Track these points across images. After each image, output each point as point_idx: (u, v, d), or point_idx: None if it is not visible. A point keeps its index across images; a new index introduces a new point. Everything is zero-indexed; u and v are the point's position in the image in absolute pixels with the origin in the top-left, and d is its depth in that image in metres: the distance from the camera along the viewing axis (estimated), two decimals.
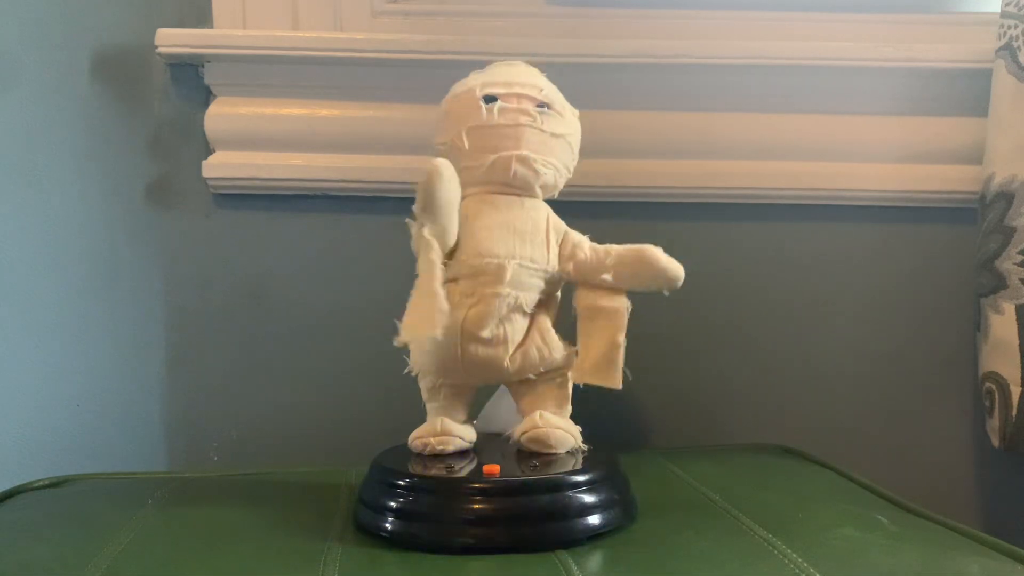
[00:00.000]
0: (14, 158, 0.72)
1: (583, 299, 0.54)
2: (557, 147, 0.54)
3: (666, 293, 0.53)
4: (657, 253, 0.53)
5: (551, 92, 0.55)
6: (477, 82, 0.54)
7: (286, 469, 0.65)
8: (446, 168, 0.50)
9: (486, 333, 0.52)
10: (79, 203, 0.73)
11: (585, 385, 0.54)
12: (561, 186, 0.56)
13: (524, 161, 0.53)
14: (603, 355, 0.53)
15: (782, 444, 0.70)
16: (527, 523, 0.47)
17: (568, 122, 0.55)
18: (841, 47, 0.72)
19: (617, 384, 0.53)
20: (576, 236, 0.55)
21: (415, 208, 0.50)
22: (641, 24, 0.75)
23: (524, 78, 0.55)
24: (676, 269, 0.54)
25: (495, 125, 0.53)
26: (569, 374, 0.54)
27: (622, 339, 0.53)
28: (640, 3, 0.76)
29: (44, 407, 0.73)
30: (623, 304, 0.54)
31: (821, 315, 0.77)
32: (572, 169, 0.57)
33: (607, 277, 0.53)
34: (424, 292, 0.49)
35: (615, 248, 0.54)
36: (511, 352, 0.53)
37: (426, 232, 0.50)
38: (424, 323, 0.49)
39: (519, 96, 0.54)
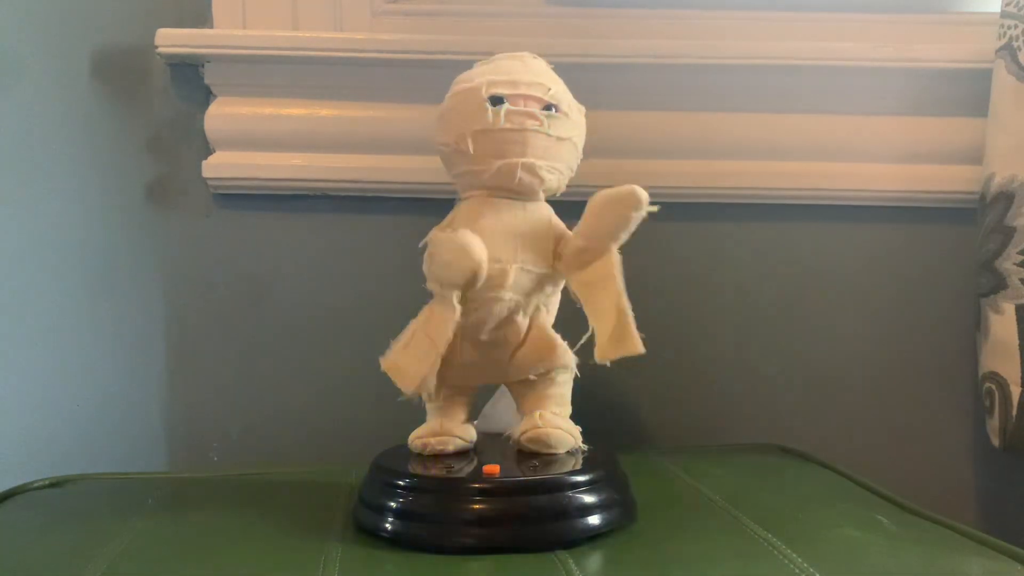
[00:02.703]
0: (14, 158, 0.72)
1: (575, 282, 0.53)
2: (563, 150, 0.53)
3: (643, 214, 0.51)
4: (605, 191, 0.51)
5: (558, 91, 0.53)
6: (482, 79, 0.52)
7: (286, 469, 0.65)
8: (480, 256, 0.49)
9: (485, 336, 0.52)
10: (79, 203, 0.73)
11: (609, 362, 0.52)
12: (564, 187, 0.55)
13: (529, 168, 0.52)
14: (615, 326, 0.51)
15: (782, 444, 0.70)
16: (527, 523, 0.47)
17: (574, 123, 0.54)
18: (841, 47, 0.72)
19: (639, 349, 0.51)
20: (569, 236, 0.54)
21: (441, 279, 0.50)
22: (641, 24, 0.75)
23: (531, 76, 0.53)
24: (628, 189, 0.50)
25: (500, 129, 0.51)
26: (594, 356, 0.52)
27: (625, 303, 0.51)
28: (640, 3, 0.76)
29: (44, 407, 0.73)
30: (613, 268, 0.52)
31: (821, 315, 0.77)
32: (576, 169, 0.56)
33: (580, 242, 0.52)
34: (426, 351, 0.51)
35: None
36: (511, 353, 0.53)
37: (455, 299, 0.50)
38: (410, 377, 0.51)
39: (525, 97, 0.52)
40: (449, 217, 0.54)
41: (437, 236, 0.51)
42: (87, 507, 0.56)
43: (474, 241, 0.49)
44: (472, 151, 0.52)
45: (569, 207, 0.56)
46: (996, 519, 0.77)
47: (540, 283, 0.53)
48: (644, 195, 0.50)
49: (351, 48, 0.70)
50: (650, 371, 0.76)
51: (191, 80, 0.73)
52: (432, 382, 0.52)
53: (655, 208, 0.51)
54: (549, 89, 0.53)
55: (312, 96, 0.72)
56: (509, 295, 0.52)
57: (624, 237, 0.52)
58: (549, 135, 0.52)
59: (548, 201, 0.56)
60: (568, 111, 0.53)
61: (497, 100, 0.52)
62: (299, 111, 0.72)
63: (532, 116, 0.52)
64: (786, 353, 0.77)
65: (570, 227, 0.55)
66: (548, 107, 0.52)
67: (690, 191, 0.74)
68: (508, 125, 0.51)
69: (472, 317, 0.52)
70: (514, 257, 0.52)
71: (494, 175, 0.52)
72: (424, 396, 0.55)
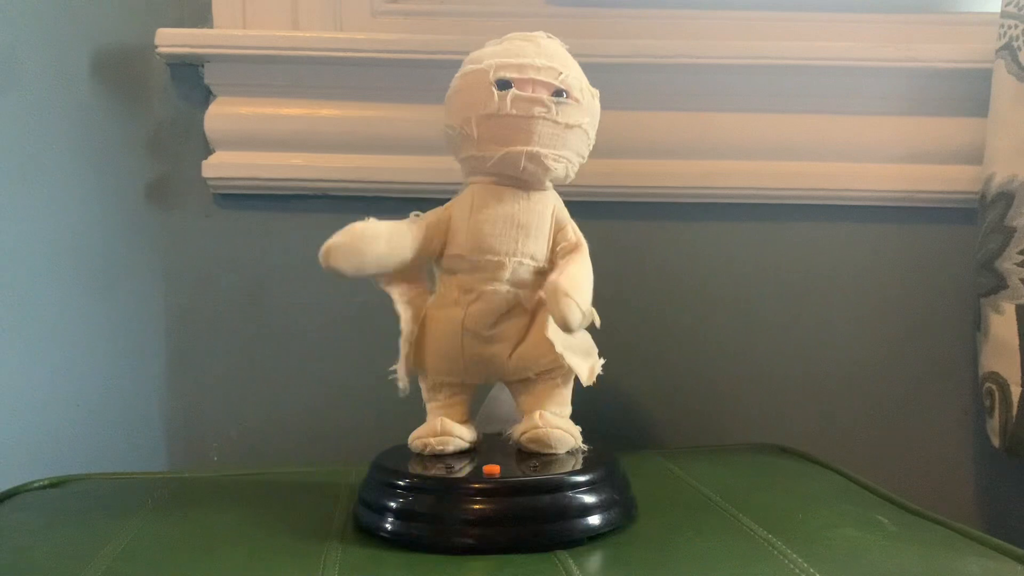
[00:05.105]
0: (14, 158, 0.72)
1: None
2: (572, 138, 0.52)
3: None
4: (556, 304, 0.49)
5: (569, 76, 0.51)
6: (492, 61, 0.51)
7: (286, 469, 0.65)
8: (337, 248, 0.51)
9: (486, 330, 0.52)
10: (79, 203, 0.73)
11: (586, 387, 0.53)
12: (573, 175, 0.54)
13: (534, 157, 0.50)
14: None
15: (782, 444, 0.70)
16: (527, 523, 0.47)
17: (585, 108, 0.52)
18: (841, 47, 0.72)
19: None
20: (569, 233, 0.53)
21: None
22: (641, 24, 0.75)
23: (542, 59, 0.51)
24: (559, 315, 0.49)
25: (507, 115, 0.50)
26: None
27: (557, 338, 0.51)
28: (640, 3, 0.76)
29: (44, 407, 0.73)
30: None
31: (821, 315, 0.77)
32: (587, 155, 0.54)
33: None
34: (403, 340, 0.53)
35: (562, 263, 0.52)
36: (511, 349, 0.53)
37: (381, 286, 0.53)
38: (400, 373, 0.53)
39: (534, 82, 0.50)
40: (451, 201, 0.54)
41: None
42: (87, 507, 0.56)
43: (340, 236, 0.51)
44: (476, 136, 0.51)
45: (570, 207, 0.56)
46: (996, 519, 0.77)
47: (540, 276, 0.53)
48: (574, 323, 0.49)
49: (351, 48, 0.70)
50: (650, 371, 0.76)
51: (191, 80, 0.73)
52: (403, 371, 0.53)
53: (596, 321, 0.51)
54: (560, 73, 0.51)
55: (312, 96, 0.72)
56: (506, 288, 0.52)
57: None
58: (557, 122, 0.50)
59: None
60: (580, 96, 0.51)
61: (504, 84, 0.50)
62: (299, 111, 0.72)
63: (539, 102, 0.50)
64: (786, 353, 0.77)
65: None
66: (558, 92, 0.50)
67: (690, 191, 0.74)
68: (514, 111, 0.50)
69: (471, 310, 0.52)
70: (513, 249, 0.52)
71: (498, 162, 0.51)
72: (424, 396, 0.55)
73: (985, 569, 0.44)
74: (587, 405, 0.56)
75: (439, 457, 0.52)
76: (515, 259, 0.52)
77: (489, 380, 0.56)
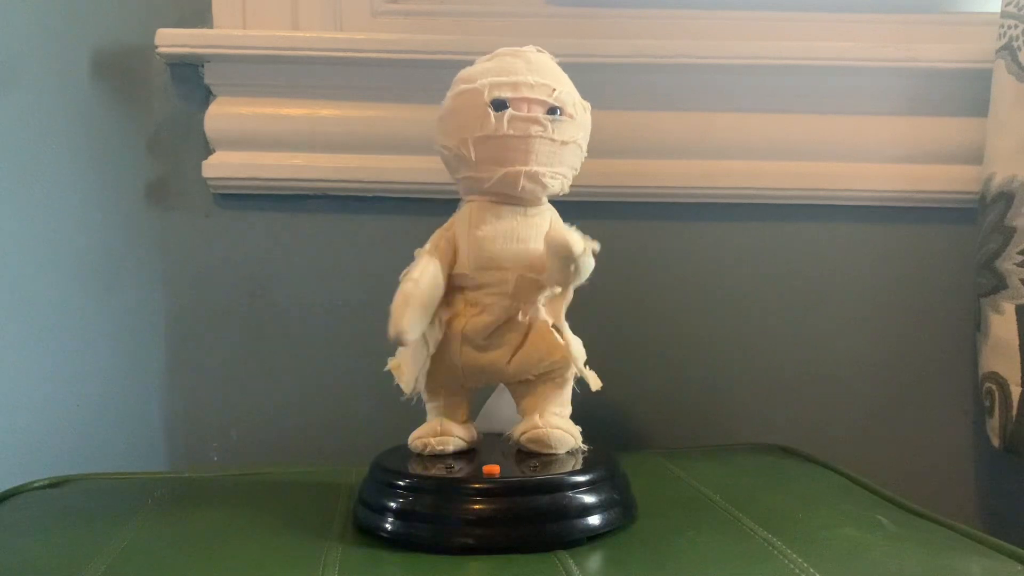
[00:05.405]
0: (14, 158, 0.72)
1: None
2: (567, 154, 0.52)
3: (586, 261, 0.49)
4: (555, 236, 0.49)
5: (562, 92, 0.51)
6: (485, 81, 0.50)
7: (286, 469, 0.65)
8: (408, 324, 0.50)
9: (482, 339, 0.52)
10: (79, 203, 0.73)
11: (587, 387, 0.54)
12: (567, 189, 0.54)
13: (533, 177, 0.51)
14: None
15: (782, 444, 0.70)
16: (527, 523, 0.47)
17: (579, 123, 0.52)
18: (841, 47, 0.72)
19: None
20: None
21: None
22: (641, 24, 0.75)
23: (534, 77, 0.51)
24: (563, 241, 0.48)
25: (504, 136, 0.50)
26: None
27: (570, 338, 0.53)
28: (640, 3, 0.76)
29: (44, 407, 0.73)
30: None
31: (821, 315, 0.77)
32: (579, 167, 0.54)
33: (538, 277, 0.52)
34: (419, 350, 0.53)
35: None
36: (510, 356, 0.53)
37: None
38: (406, 377, 0.53)
39: (529, 101, 0.50)
40: (450, 221, 0.54)
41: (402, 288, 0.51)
42: (87, 507, 0.56)
43: (402, 312, 0.50)
44: (474, 158, 0.51)
45: (571, 207, 0.56)
46: (996, 519, 0.77)
47: (541, 287, 0.53)
48: (577, 247, 0.48)
49: (351, 48, 0.70)
50: (650, 371, 0.76)
51: (191, 80, 0.73)
52: (422, 381, 0.53)
53: (595, 247, 0.49)
54: (554, 90, 0.51)
55: (312, 96, 0.72)
56: (509, 302, 0.52)
57: (567, 282, 0.51)
58: (553, 140, 0.51)
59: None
60: (573, 112, 0.52)
61: (500, 104, 0.50)
62: (299, 111, 0.72)
63: (536, 121, 0.50)
64: (786, 353, 0.77)
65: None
66: (552, 110, 0.51)
67: (690, 191, 0.74)
68: (511, 132, 0.50)
69: (473, 321, 0.52)
70: (515, 263, 0.52)
71: (497, 182, 0.51)
72: (424, 396, 0.55)
73: (985, 569, 0.44)
74: (587, 405, 0.56)
75: (439, 457, 0.52)
76: (518, 272, 0.52)
77: (489, 383, 0.56)
